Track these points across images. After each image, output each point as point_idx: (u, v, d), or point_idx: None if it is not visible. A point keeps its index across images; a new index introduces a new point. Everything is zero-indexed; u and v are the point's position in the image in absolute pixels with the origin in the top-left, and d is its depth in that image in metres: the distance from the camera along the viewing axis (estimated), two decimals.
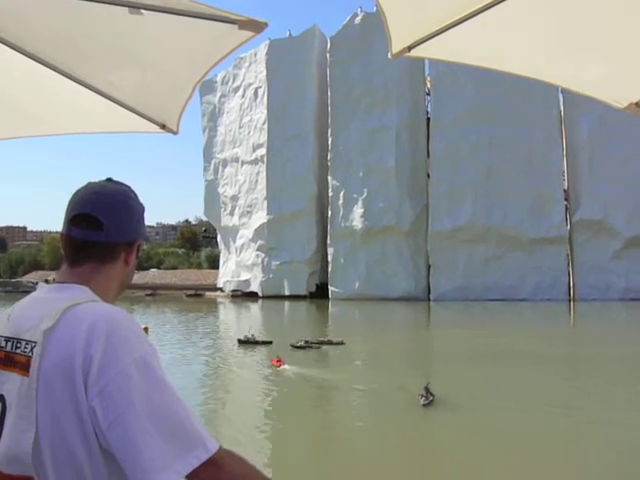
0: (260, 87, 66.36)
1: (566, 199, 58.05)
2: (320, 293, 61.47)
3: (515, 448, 11.92)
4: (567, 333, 33.54)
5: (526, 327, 33.94)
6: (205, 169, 73.34)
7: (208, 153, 72.57)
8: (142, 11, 1.92)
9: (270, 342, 25.49)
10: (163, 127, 2.62)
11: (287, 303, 57.11)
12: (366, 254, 60.01)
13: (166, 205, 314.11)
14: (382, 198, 59.45)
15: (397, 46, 2.01)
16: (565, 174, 58.24)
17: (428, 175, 59.62)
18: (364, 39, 58.83)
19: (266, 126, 65.49)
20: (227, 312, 51.99)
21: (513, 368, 20.02)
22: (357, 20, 61.60)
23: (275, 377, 19.21)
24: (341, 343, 25.55)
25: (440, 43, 2.01)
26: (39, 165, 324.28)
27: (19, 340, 1.36)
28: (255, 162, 67.30)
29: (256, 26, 1.89)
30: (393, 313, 45.46)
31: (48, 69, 2.34)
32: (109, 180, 1.55)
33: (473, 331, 31.75)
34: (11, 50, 2.25)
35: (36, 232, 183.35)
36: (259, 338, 25.99)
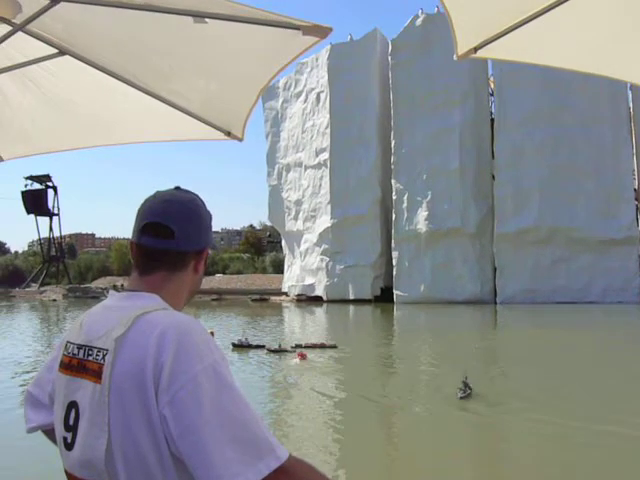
0: (322, 92, 69.77)
1: (636, 199, 58.86)
2: (385, 297, 64.22)
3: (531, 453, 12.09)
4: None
5: (596, 330, 34.36)
6: (269, 174, 77.27)
7: (271, 158, 76.58)
8: (206, 20, 2.08)
9: (263, 346, 27.19)
10: (228, 134, 2.79)
11: (352, 307, 59.80)
12: (431, 257, 62.37)
13: (230, 211, 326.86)
14: (446, 200, 61.56)
15: (463, 48, 2.13)
16: (635, 173, 59.11)
17: (493, 176, 61.42)
18: (425, 41, 61.38)
19: (329, 130, 68.82)
20: (291, 316, 54.60)
21: (577, 372, 19.99)
22: (418, 22, 63.99)
23: (284, 377, 20.58)
24: (334, 346, 27.00)
25: (506, 43, 2.11)
26: (106, 174, 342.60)
27: (91, 348, 1.46)
28: (318, 166, 70.81)
29: (320, 31, 2.02)
30: (458, 316, 46.98)
31: (116, 80, 2.57)
32: (177, 188, 1.63)
33: (539, 333, 32.78)
34: (80, 63, 2.51)
35: (104, 239, 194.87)
36: (252, 342, 27.81)
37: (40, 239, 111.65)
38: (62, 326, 45.10)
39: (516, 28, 2.02)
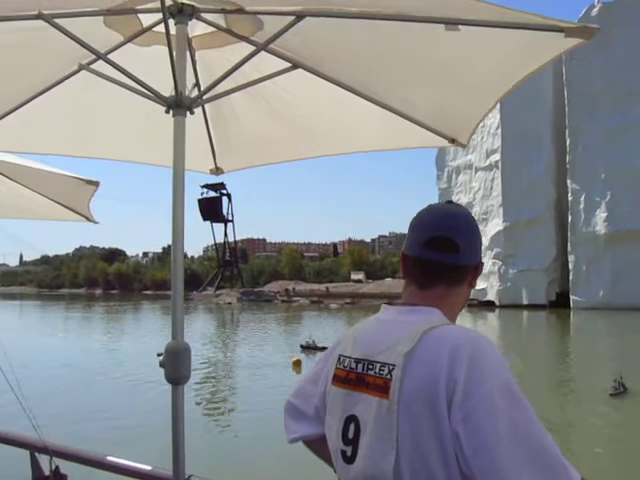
0: None
1: None
2: (560, 302, 64.88)
3: None
4: None
5: None
6: (438, 177, 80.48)
7: (441, 161, 79.73)
8: (459, 27, 2.03)
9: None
10: (453, 141, 2.78)
11: (525, 313, 60.80)
12: (611, 261, 62.39)
13: (398, 214, 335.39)
14: (628, 201, 61.21)
15: None
16: None
17: None
18: (603, 31, 61.15)
19: (500, 131, 70.64)
20: (462, 322, 56.77)
21: None
22: (594, 12, 64.07)
23: None
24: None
25: None
26: (277, 180, 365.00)
27: (371, 362, 1.51)
28: (489, 168, 72.89)
29: (586, 33, 1.89)
30: None
31: (342, 90, 2.67)
32: (450, 202, 1.68)
33: None
34: (308, 75, 2.62)
35: (274, 243, 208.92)
36: (319, 344, 29.71)
37: (215, 244, 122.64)
38: (237, 329, 50.31)
39: None
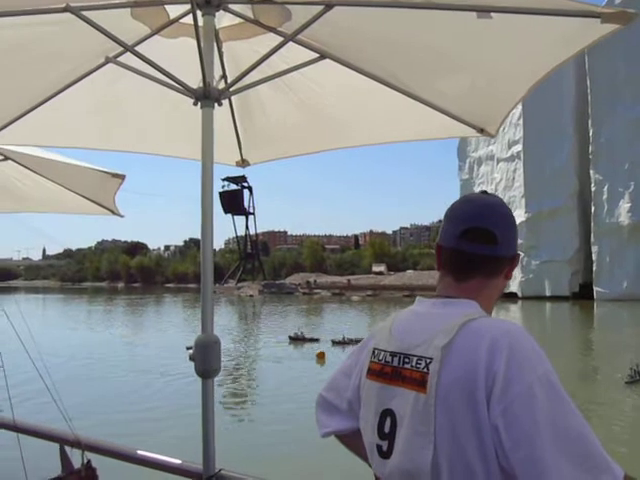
0: None
1: None
2: (583, 294, 64.43)
3: None
4: None
5: None
6: (460, 168, 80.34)
7: (463, 152, 79.49)
8: (492, 14, 1.98)
9: (317, 339, 30.34)
10: (481, 131, 2.74)
11: (548, 304, 60.32)
12: (635, 251, 61.63)
13: (419, 206, 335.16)
14: None
15: None
16: None
17: None
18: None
19: (521, 121, 70.20)
20: None
21: None
22: None
23: None
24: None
25: None
26: (297, 176, 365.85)
27: (408, 355, 1.48)
28: (511, 159, 72.56)
29: (623, 17, 1.82)
30: None
31: (370, 80, 2.63)
32: (485, 192, 1.65)
33: None
34: (336, 65, 2.60)
35: (296, 236, 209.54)
36: (307, 336, 31.23)
37: (237, 237, 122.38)
38: (259, 321, 50.13)
39: None
